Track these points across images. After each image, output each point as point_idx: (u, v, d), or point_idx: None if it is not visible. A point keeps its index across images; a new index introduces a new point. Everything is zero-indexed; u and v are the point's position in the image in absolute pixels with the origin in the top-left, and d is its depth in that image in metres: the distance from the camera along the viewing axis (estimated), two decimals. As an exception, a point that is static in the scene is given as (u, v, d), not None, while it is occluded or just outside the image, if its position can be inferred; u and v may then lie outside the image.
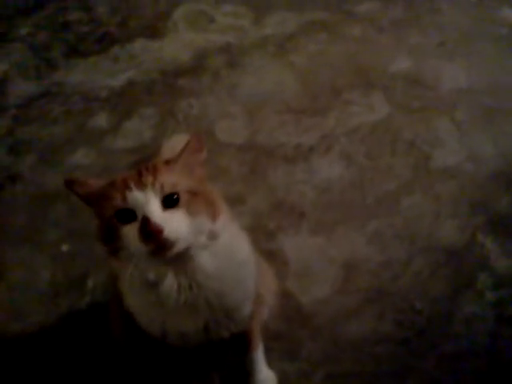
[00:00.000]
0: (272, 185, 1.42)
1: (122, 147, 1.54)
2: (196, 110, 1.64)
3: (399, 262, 1.27)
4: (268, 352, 1.10)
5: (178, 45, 1.85)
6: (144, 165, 0.76)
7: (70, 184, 0.78)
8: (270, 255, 1.25)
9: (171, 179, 0.73)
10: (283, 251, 1.30)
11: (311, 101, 1.61)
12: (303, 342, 1.15)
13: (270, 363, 1.10)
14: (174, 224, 0.71)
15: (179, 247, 0.72)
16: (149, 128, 1.58)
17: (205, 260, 0.78)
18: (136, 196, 0.71)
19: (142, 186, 0.71)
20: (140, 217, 0.70)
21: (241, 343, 1.03)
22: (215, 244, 0.78)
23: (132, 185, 0.71)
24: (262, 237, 1.30)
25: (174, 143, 1.27)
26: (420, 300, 1.22)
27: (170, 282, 0.78)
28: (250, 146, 1.50)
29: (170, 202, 0.72)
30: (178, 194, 0.72)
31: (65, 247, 1.35)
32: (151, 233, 0.69)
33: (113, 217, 0.72)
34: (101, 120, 1.63)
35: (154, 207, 0.70)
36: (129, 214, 0.71)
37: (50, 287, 1.28)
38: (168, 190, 0.72)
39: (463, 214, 1.34)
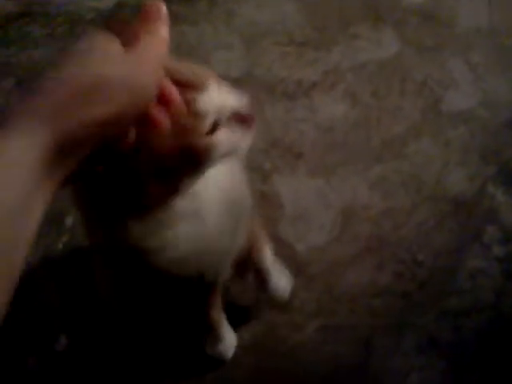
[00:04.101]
0: (269, 122, 1.30)
1: (107, 75, 1.41)
2: (190, 38, 1.50)
3: (402, 211, 1.18)
4: (257, 303, 1.03)
5: (172, -34, 1.69)
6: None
7: None
8: (264, 197, 1.16)
9: None
10: (278, 194, 1.20)
11: (315, 33, 1.47)
12: (296, 291, 1.07)
13: (259, 315, 1.03)
14: None
15: None
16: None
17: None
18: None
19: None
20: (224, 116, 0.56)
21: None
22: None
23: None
24: (256, 177, 1.20)
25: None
26: (422, 251, 1.14)
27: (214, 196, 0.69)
28: (247, 79, 1.38)
29: None
30: None
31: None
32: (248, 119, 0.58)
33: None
34: (85, 45, 1.49)
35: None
36: None
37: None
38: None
39: (473, 163, 1.25)
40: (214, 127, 0.55)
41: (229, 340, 1.02)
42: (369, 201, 1.18)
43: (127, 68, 0.42)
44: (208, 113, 0.53)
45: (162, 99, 0.49)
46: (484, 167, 1.24)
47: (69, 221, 1.19)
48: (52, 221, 1.19)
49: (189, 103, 0.52)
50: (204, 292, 0.90)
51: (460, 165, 1.24)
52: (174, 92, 0.50)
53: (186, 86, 0.52)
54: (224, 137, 0.56)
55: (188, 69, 0.54)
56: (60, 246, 1.16)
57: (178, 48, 1.46)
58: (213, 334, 1.00)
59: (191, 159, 0.54)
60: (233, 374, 1.03)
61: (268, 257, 1.00)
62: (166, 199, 0.59)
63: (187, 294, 0.86)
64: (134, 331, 1.03)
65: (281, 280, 1.04)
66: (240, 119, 0.57)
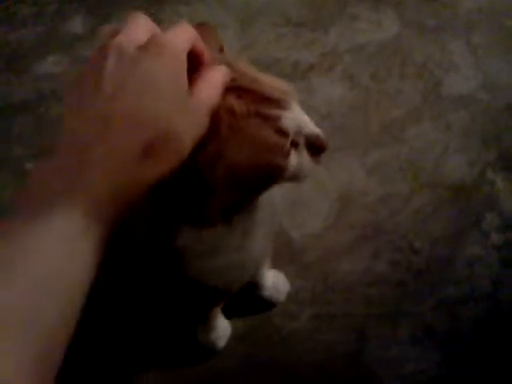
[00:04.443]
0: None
1: (97, 55, 1.37)
2: (184, 17, 1.46)
3: (400, 197, 1.15)
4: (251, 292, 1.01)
5: None
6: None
7: None
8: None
9: None
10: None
11: (312, 13, 1.43)
12: (290, 279, 1.05)
13: (253, 303, 1.01)
14: None
15: None
16: (129, 35, 1.40)
17: None
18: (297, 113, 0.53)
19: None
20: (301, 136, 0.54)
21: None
22: None
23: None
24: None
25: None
26: (419, 239, 1.11)
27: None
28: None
29: None
30: None
31: (29, 165, 1.22)
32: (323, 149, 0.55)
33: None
34: (75, 24, 1.44)
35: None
36: None
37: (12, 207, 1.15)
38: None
39: (473, 148, 1.22)
40: (291, 147, 0.53)
41: (222, 329, 1.00)
42: (366, 187, 1.15)
43: (189, 120, 0.41)
44: (291, 132, 0.51)
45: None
46: (484, 152, 1.21)
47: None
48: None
49: (273, 119, 0.50)
50: (217, 298, 0.86)
51: (460, 150, 1.21)
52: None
53: (270, 100, 0.50)
54: (298, 159, 0.54)
55: (270, 81, 0.52)
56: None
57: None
58: (206, 324, 0.98)
59: (266, 176, 0.53)
60: (226, 363, 1.01)
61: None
62: (229, 213, 0.58)
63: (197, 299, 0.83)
64: (124, 318, 1.00)
65: (277, 284, 1.03)
66: (314, 146, 0.55)
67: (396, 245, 1.10)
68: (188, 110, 0.41)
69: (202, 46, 0.46)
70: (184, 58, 0.42)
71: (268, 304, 1.04)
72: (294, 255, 1.08)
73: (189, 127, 0.42)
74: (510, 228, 1.12)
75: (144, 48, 0.41)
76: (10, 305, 0.34)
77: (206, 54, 0.46)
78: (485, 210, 1.14)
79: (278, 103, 0.51)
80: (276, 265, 1.04)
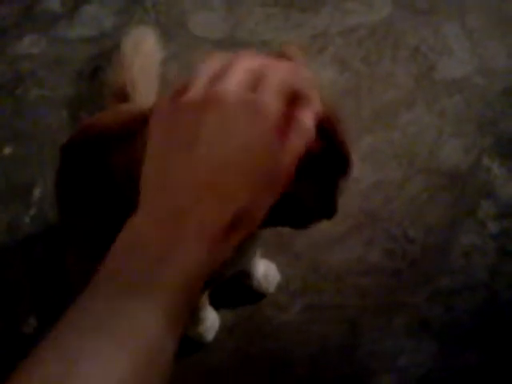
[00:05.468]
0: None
1: (77, 36, 1.30)
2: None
3: (393, 184, 1.11)
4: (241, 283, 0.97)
5: None
6: None
7: None
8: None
9: None
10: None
11: (303, -7, 1.38)
12: (281, 269, 1.01)
13: (243, 294, 0.97)
14: None
15: None
16: (111, 15, 1.33)
17: None
18: None
19: None
20: None
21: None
22: None
23: None
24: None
25: (137, 38, 1.07)
26: (414, 227, 1.08)
27: None
28: (229, 42, 1.28)
29: None
30: None
31: (7, 150, 1.16)
32: None
33: None
34: (53, 2, 1.37)
35: None
36: None
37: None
38: None
39: (469, 134, 1.18)
40: None
41: (211, 321, 0.95)
42: (359, 173, 1.11)
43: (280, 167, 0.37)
44: None
45: None
46: (480, 138, 1.17)
47: (37, 192, 1.11)
48: (18, 192, 1.11)
49: None
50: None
51: (455, 136, 1.17)
52: None
53: None
54: None
55: None
56: (27, 219, 1.08)
57: (154, 7, 1.36)
58: (194, 316, 0.93)
59: None
60: (215, 356, 0.97)
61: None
62: None
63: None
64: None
65: (267, 273, 0.99)
66: None
67: (390, 233, 1.06)
68: (277, 173, 0.37)
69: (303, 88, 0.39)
70: (276, 116, 0.37)
71: (258, 294, 1.00)
72: (284, 244, 1.04)
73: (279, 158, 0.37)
74: (507, 216, 1.09)
75: (242, 104, 0.36)
76: None
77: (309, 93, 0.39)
78: (481, 197, 1.11)
79: None
80: (266, 254, 1.00)
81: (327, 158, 0.49)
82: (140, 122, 0.61)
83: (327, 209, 0.54)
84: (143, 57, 1.04)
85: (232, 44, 1.28)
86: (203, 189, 0.36)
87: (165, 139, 0.37)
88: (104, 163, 0.60)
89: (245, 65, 0.39)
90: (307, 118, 0.38)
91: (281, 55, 0.43)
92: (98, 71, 1.22)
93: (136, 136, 0.59)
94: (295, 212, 0.52)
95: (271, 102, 0.37)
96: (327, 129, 0.48)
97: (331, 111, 0.49)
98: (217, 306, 0.96)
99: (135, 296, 0.35)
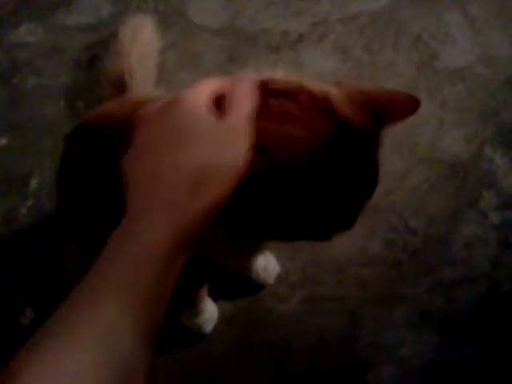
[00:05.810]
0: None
1: (74, 24, 1.29)
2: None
3: (395, 174, 1.10)
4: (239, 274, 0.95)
5: None
6: None
7: None
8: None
9: None
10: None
11: (303, -19, 1.36)
12: (280, 261, 1.00)
13: (242, 285, 0.96)
14: None
15: None
16: (108, 3, 1.32)
17: None
18: None
19: None
20: None
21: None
22: None
23: None
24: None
25: (135, 26, 1.05)
26: (415, 218, 1.06)
27: None
28: (228, 30, 1.27)
29: None
30: None
31: (3, 140, 1.14)
32: None
33: None
34: (51, -10, 1.35)
35: None
36: None
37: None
38: None
39: (471, 123, 1.16)
40: None
41: (209, 312, 0.95)
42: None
43: (227, 145, 0.44)
44: None
45: None
46: (482, 128, 1.16)
47: (34, 183, 1.09)
48: (15, 183, 1.10)
49: None
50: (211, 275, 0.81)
51: (456, 125, 1.16)
52: None
53: None
54: None
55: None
56: (24, 210, 1.07)
57: (153, -4, 1.33)
58: (193, 308, 0.93)
59: None
60: (214, 347, 0.96)
61: None
62: None
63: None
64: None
65: (267, 265, 0.98)
66: None
67: (391, 224, 1.05)
68: (222, 136, 0.44)
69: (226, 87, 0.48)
70: (201, 101, 0.45)
71: (257, 286, 0.99)
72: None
73: (229, 150, 0.44)
74: (509, 206, 1.08)
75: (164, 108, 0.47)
76: None
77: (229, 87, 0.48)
78: (483, 187, 1.09)
79: None
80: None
81: (356, 182, 0.51)
82: None
83: (348, 223, 0.55)
84: (141, 45, 1.02)
85: (232, 32, 1.26)
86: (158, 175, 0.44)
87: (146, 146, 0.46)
88: (107, 153, 0.59)
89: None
90: (238, 86, 0.47)
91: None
92: (96, 60, 1.21)
93: None
94: (316, 229, 0.53)
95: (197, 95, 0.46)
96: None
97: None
98: (216, 298, 0.96)
99: (100, 282, 0.41)
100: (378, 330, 0.97)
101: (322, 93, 0.50)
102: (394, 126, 0.56)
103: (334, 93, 0.51)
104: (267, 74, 0.54)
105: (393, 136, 1.13)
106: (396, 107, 0.53)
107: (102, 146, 0.65)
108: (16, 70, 1.23)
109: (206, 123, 0.44)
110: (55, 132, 1.12)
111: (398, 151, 1.12)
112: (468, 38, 1.28)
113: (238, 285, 0.98)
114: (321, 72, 1.20)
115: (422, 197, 1.08)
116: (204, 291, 0.89)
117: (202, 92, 0.46)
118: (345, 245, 1.03)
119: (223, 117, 0.45)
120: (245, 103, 0.46)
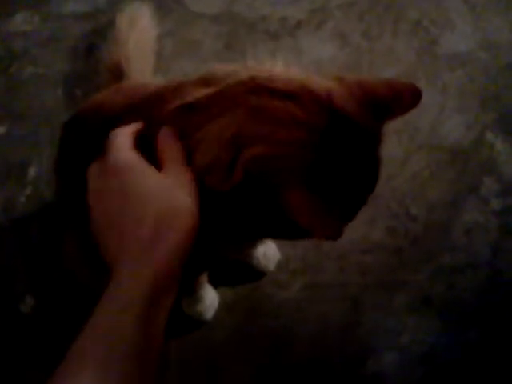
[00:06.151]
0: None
1: (71, 12, 1.27)
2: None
3: (395, 161, 1.09)
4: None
5: None
6: None
7: None
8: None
9: None
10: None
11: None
12: (281, 247, 1.00)
13: (242, 272, 0.96)
14: None
15: None
16: (105, -10, 1.30)
17: None
18: None
19: None
20: None
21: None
22: None
23: None
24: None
25: (132, 14, 1.04)
26: (416, 205, 1.06)
27: None
28: (226, 17, 1.25)
29: None
30: None
31: (1, 129, 1.14)
32: None
33: None
34: (46, -22, 1.34)
35: None
36: None
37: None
38: None
39: (471, 109, 1.16)
40: None
41: (210, 300, 0.94)
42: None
43: (172, 191, 0.50)
44: None
45: None
46: (483, 113, 1.15)
47: (32, 171, 1.09)
48: (13, 171, 1.09)
49: None
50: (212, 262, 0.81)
51: (457, 111, 1.15)
52: None
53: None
54: None
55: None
56: (22, 199, 1.06)
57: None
58: (193, 295, 0.92)
59: None
60: (215, 334, 0.96)
61: None
62: None
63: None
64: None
65: (267, 252, 0.98)
66: None
67: (392, 211, 1.05)
68: (167, 189, 0.50)
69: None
70: (128, 158, 0.52)
71: (257, 273, 0.99)
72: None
73: (177, 198, 0.50)
74: (510, 193, 1.07)
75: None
76: None
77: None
78: (483, 173, 1.09)
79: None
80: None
81: (359, 178, 0.53)
82: (143, 99, 0.59)
83: (350, 217, 0.57)
84: (138, 33, 1.02)
85: (229, 19, 1.25)
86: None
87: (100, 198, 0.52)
88: (105, 141, 0.58)
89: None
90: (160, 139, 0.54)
91: None
92: (93, 48, 1.20)
93: (139, 113, 0.58)
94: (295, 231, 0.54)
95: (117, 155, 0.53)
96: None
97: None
98: (216, 285, 0.95)
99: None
100: (379, 317, 0.97)
101: (325, 92, 0.50)
102: (396, 119, 0.55)
103: (336, 90, 0.51)
104: (267, 64, 0.54)
105: (393, 122, 1.13)
106: (398, 101, 0.53)
107: (100, 133, 0.65)
108: (13, 59, 1.22)
109: (151, 180, 0.50)
110: (53, 120, 1.11)
111: (398, 137, 1.11)
112: (468, 24, 1.27)
113: (238, 272, 0.98)
114: (319, 59, 1.19)
115: (423, 183, 1.08)
116: (204, 278, 0.89)
117: (123, 139, 0.54)
118: (346, 232, 1.03)
119: (162, 171, 0.51)
120: (172, 154, 0.52)
